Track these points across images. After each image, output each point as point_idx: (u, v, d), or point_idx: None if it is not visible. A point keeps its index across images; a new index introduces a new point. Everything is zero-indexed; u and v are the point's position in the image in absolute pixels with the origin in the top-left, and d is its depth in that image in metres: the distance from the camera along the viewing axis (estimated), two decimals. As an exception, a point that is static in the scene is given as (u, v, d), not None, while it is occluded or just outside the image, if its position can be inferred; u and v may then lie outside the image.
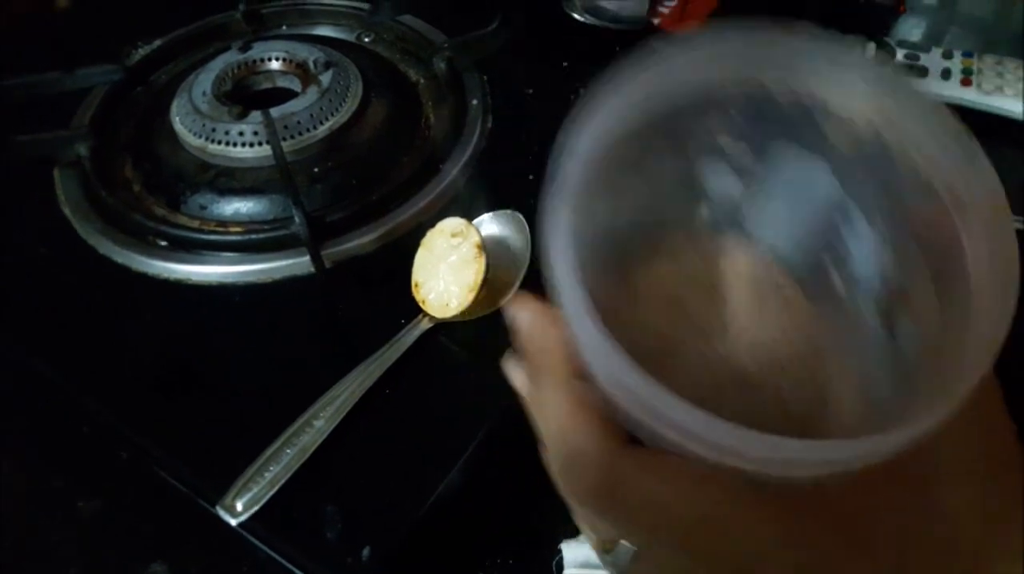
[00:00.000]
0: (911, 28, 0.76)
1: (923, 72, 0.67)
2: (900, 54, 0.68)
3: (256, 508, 0.37)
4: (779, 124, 0.27)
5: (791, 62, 0.26)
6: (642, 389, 0.22)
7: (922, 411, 0.21)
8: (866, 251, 0.28)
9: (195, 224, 0.48)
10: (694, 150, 0.29)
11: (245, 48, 0.54)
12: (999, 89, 0.65)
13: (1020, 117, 0.64)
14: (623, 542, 0.27)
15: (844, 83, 0.26)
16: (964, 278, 0.24)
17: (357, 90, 0.52)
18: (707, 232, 0.31)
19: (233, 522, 0.37)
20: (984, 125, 0.66)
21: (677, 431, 0.23)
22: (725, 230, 0.31)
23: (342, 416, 0.39)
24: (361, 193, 0.49)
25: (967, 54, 0.68)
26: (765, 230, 0.31)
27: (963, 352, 0.23)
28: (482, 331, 0.43)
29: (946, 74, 0.66)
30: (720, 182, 0.30)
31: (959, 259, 0.24)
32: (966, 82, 0.66)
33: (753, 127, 0.28)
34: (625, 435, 0.26)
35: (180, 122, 0.51)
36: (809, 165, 0.28)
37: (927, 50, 0.69)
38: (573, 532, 0.44)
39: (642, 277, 0.31)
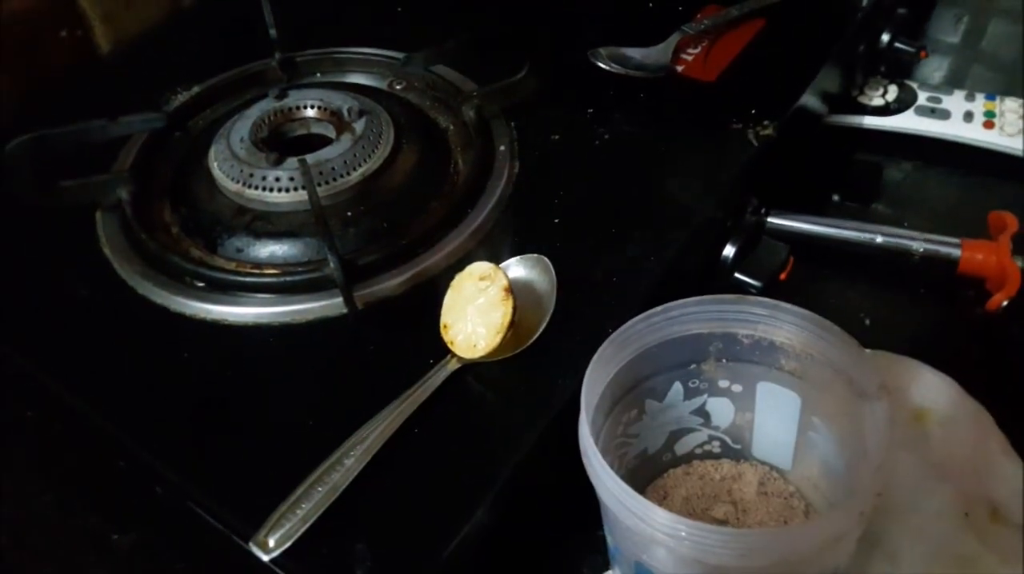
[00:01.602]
0: (932, 70, 0.76)
1: (945, 115, 0.67)
2: (922, 97, 0.69)
3: (288, 544, 0.37)
4: (745, 355, 0.43)
5: (749, 316, 0.42)
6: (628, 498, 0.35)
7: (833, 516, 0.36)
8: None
9: (231, 266, 0.50)
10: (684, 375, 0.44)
11: (281, 96, 0.56)
12: (1021, 132, 0.65)
13: (1043, 160, 0.64)
14: None
15: (781, 325, 0.41)
16: (863, 441, 0.38)
17: (389, 137, 0.54)
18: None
19: (265, 558, 0.37)
20: (1007, 167, 0.67)
21: (658, 529, 0.34)
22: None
23: (372, 455, 0.40)
24: (392, 237, 0.50)
25: (989, 96, 0.68)
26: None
27: (861, 484, 0.37)
28: (508, 372, 0.44)
29: (968, 117, 0.67)
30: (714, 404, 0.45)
31: (861, 429, 0.38)
32: (988, 125, 0.66)
33: (727, 359, 0.43)
34: None
35: (218, 167, 0.53)
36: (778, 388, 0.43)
37: (949, 92, 0.69)
38: (599, 568, 0.45)
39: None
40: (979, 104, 0.68)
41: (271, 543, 0.37)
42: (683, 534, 0.33)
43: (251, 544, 0.38)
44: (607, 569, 0.44)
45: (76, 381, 0.46)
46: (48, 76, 0.67)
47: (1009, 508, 0.44)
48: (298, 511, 0.38)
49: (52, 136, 0.53)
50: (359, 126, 0.53)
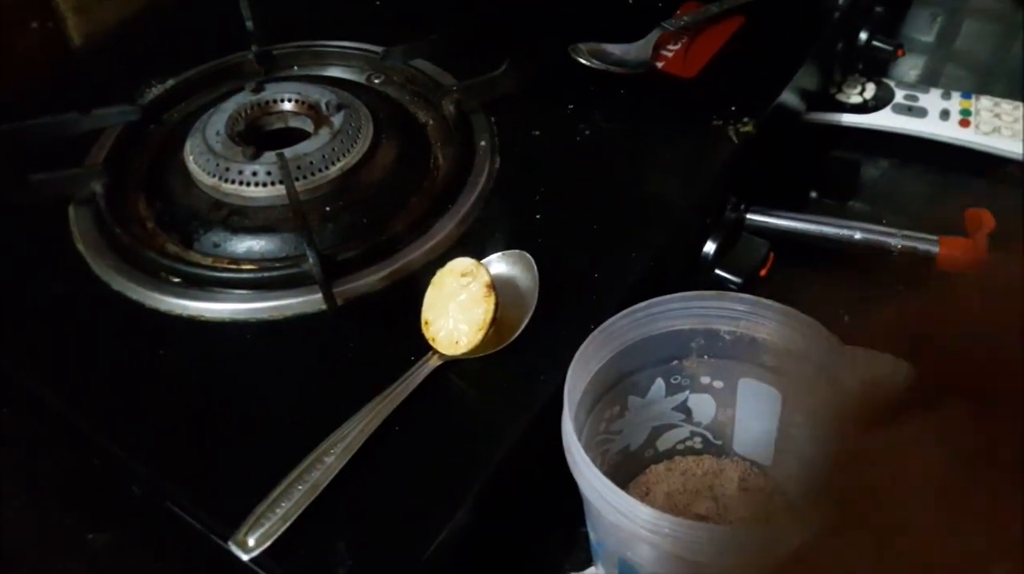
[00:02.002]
0: (908, 69, 0.77)
1: (922, 113, 0.68)
2: (899, 95, 0.70)
3: (268, 544, 0.37)
4: (727, 352, 0.42)
5: (730, 312, 0.42)
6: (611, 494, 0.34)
7: None
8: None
9: (208, 261, 0.49)
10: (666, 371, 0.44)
11: (258, 89, 0.56)
12: (996, 130, 0.66)
13: (1018, 157, 0.65)
14: None
15: (762, 321, 0.41)
16: None
17: (368, 131, 0.53)
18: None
19: (245, 557, 0.37)
20: (982, 165, 0.68)
21: (641, 526, 0.34)
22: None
23: (352, 453, 0.40)
24: (371, 232, 0.50)
25: (965, 95, 0.69)
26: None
27: None
28: (490, 369, 0.44)
29: (944, 115, 0.68)
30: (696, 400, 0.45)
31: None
32: (964, 123, 0.67)
33: (709, 355, 0.43)
34: None
35: (194, 161, 0.52)
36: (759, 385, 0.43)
37: (925, 91, 0.70)
38: (581, 565, 0.45)
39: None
40: (955, 102, 0.68)
41: (251, 542, 0.37)
42: (666, 530, 0.33)
43: (230, 543, 0.37)
44: (590, 566, 0.44)
45: (50, 378, 0.46)
46: (18, 69, 0.66)
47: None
48: (278, 510, 0.38)
49: (23, 129, 0.52)
50: (337, 120, 0.53)
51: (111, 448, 0.43)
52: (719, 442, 0.47)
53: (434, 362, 0.43)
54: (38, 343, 0.47)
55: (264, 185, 0.50)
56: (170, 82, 0.61)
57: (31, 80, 0.65)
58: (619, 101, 0.58)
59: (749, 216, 0.59)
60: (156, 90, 0.61)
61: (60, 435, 0.47)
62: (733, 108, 0.56)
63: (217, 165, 0.51)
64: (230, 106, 0.55)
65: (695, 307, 0.42)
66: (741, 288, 0.53)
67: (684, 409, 0.46)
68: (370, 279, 0.48)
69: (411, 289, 0.47)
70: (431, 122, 0.58)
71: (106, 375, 0.45)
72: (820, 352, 0.40)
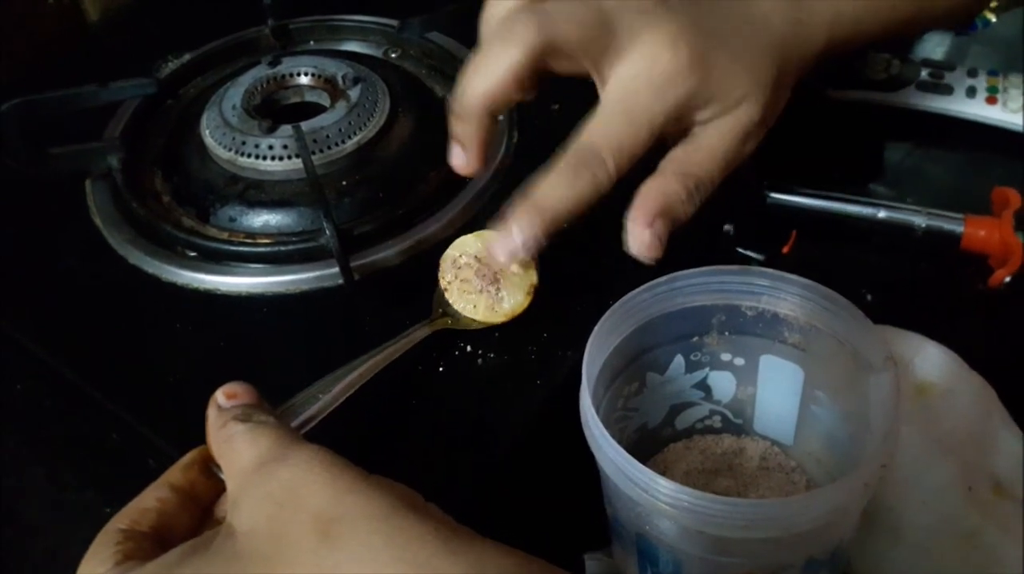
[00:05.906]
0: (934, 46, 0.76)
1: (948, 90, 0.66)
2: (924, 72, 0.68)
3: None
4: (748, 328, 0.42)
5: (753, 287, 0.40)
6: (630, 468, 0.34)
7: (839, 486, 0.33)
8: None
9: (224, 235, 0.49)
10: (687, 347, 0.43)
11: (274, 63, 0.55)
12: (1024, 108, 0.64)
13: (1046, 135, 0.64)
14: None
15: (785, 296, 0.40)
16: (868, 414, 0.38)
17: (384, 105, 0.53)
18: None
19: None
20: (1010, 144, 0.66)
21: (661, 499, 0.33)
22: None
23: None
24: (388, 207, 0.49)
25: (992, 72, 0.68)
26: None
27: (864, 455, 0.37)
28: (508, 343, 0.43)
29: (971, 92, 0.66)
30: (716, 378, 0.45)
31: (866, 402, 0.38)
32: (991, 100, 0.66)
33: (730, 331, 0.42)
34: None
35: (210, 135, 0.52)
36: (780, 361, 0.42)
37: (951, 68, 0.68)
38: (596, 545, 0.44)
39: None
40: (982, 80, 0.67)
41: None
42: (687, 504, 0.33)
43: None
44: (607, 546, 0.44)
45: (67, 352, 0.46)
46: (35, 44, 0.66)
47: (1012, 482, 0.43)
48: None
49: (41, 101, 0.52)
50: (354, 94, 0.52)
51: (127, 420, 0.43)
52: (739, 421, 0.46)
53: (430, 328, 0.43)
54: (54, 317, 0.47)
55: (280, 159, 0.50)
56: (186, 56, 0.61)
57: (48, 55, 0.65)
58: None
59: (771, 194, 0.58)
60: (172, 65, 0.60)
61: (77, 409, 0.47)
62: (755, 83, 0.55)
63: (233, 139, 0.51)
64: (246, 80, 0.54)
65: (717, 282, 0.41)
66: (763, 265, 0.52)
67: (704, 387, 0.45)
68: (386, 253, 0.47)
69: (428, 264, 0.46)
70: (448, 96, 0.57)
71: (122, 348, 0.45)
72: (845, 327, 0.39)
